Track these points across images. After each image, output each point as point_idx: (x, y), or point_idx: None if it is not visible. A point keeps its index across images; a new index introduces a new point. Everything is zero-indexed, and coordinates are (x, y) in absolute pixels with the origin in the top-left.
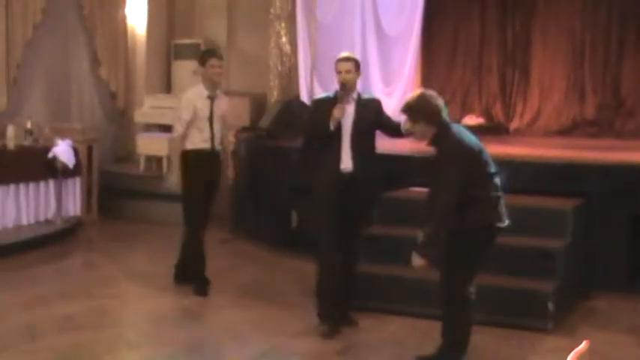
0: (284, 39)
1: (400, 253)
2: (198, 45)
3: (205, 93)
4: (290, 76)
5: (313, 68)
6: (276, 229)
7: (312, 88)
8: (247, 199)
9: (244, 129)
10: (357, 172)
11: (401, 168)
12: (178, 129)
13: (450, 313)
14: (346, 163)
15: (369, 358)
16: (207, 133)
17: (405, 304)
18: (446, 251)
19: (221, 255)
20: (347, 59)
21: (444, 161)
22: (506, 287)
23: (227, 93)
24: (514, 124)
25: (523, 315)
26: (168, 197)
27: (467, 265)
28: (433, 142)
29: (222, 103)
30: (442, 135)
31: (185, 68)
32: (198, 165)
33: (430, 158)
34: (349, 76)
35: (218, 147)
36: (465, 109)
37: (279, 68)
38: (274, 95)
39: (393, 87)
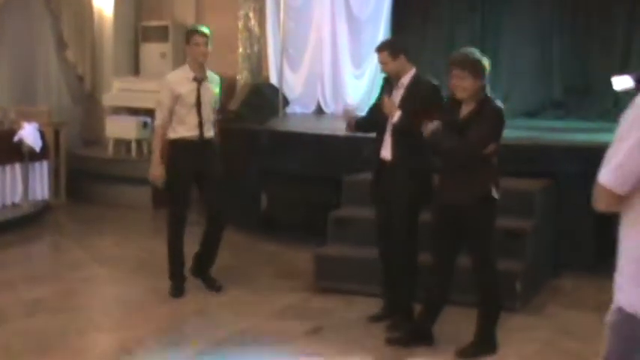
0: (253, 21)
1: (368, 235)
2: (166, 27)
3: (191, 75)
4: (259, 58)
5: (283, 51)
6: (246, 211)
7: (281, 70)
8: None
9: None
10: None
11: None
12: (159, 116)
13: (490, 282)
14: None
15: (338, 339)
16: (193, 121)
17: (373, 285)
18: (475, 225)
19: (190, 238)
20: (378, 50)
21: (487, 118)
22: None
23: None
24: None
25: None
26: (137, 181)
27: (492, 231)
28: (475, 98)
29: (213, 86)
30: (485, 94)
31: (153, 51)
32: (185, 156)
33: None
34: (387, 68)
35: (208, 134)
36: None
37: (249, 51)
38: (243, 78)
39: (363, 69)
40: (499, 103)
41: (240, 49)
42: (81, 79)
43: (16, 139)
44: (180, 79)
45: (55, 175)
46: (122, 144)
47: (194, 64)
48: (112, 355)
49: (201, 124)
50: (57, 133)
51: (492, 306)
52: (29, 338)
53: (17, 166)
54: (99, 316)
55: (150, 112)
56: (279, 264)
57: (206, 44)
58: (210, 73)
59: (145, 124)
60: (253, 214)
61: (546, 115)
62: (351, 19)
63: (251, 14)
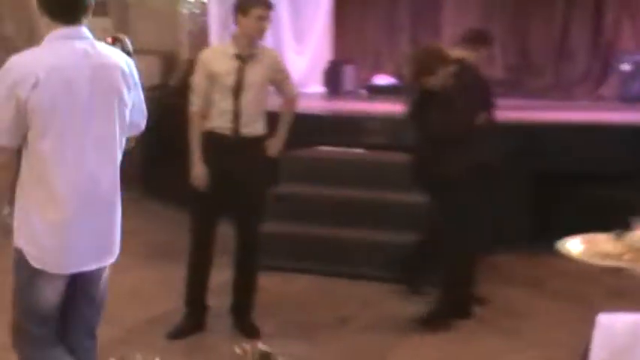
0: None
1: (306, 212)
2: (104, 2)
3: (231, 51)
4: (201, 33)
5: (225, 25)
6: (186, 189)
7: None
8: (157, 159)
9: (154, 88)
10: None
11: (309, 127)
12: (193, 100)
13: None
14: None
15: (275, 316)
16: (228, 109)
17: (310, 262)
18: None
19: (130, 215)
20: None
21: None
22: (410, 244)
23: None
24: None
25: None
26: None
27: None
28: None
29: (263, 67)
30: None
31: (94, 25)
32: (213, 154)
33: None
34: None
35: (248, 130)
36: (377, 69)
37: (191, 26)
38: (185, 53)
39: (304, 45)
40: None
41: (182, 24)
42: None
43: None
44: (217, 55)
45: None
46: None
47: (243, 39)
48: None
49: (236, 115)
50: None
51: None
52: None
53: None
54: None
55: None
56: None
57: (267, 18)
58: (263, 51)
59: None
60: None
61: None
62: None
63: None
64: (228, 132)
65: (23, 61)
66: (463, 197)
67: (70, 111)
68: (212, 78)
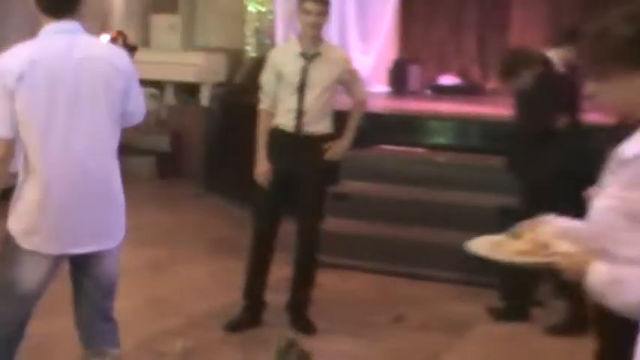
0: None
1: (366, 210)
2: None
3: (297, 49)
4: (267, 31)
5: (290, 23)
6: (249, 185)
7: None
8: (220, 155)
9: (220, 85)
10: None
11: (371, 126)
12: (262, 98)
13: None
14: None
15: (330, 313)
16: (292, 107)
17: (367, 261)
18: None
19: (192, 210)
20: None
21: None
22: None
23: (204, 49)
24: (490, 85)
25: (484, 273)
26: (144, 152)
27: None
28: None
29: (329, 66)
30: None
31: (163, 22)
32: (276, 151)
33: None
34: None
35: (311, 129)
36: (442, 69)
37: (257, 24)
38: (251, 51)
39: (370, 44)
40: None
41: (248, 22)
42: None
43: None
44: (284, 54)
45: None
46: None
47: (304, 36)
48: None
49: (300, 113)
50: None
51: None
52: None
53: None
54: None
55: (158, 84)
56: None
57: (320, 13)
58: (329, 50)
59: (153, 96)
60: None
61: None
62: None
63: None
64: (291, 129)
65: (10, 54)
66: (549, 201)
67: (54, 102)
68: (279, 76)
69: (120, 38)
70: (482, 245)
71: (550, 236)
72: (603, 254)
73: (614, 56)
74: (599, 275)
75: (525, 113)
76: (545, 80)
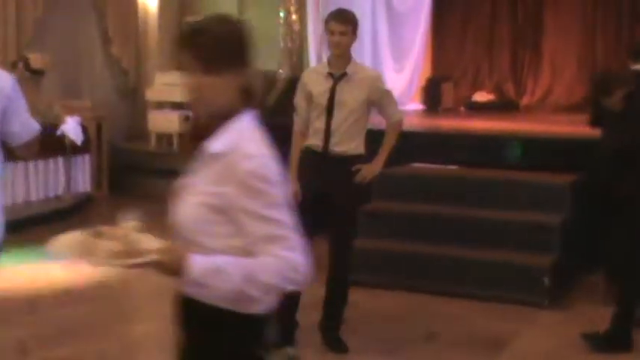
0: (294, 16)
1: (398, 229)
2: None
3: (326, 70)
4: (300, 53)
5: (322, 44)
6: None
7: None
8: None
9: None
10: None
11: (403, 144)
12: (295, 120)
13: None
14: None
15: (362, 331)
16: (320, 127)
17: (400, 278)
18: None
19: None
20: None
21: None
22: (502, 262)
23: None
24: (525, 101)
25: (519, 290)
26: (179, 174)
27: None
28: None
29: (358, 87)
30: None
31: None
32: (306, 171)
33: None
34: None
35: (340, 149)
36: (476, 86)
37: (290, 45)
38: (283, 72)
39: (402, 64)
40: None
41: (281, 44)
42: (126, 73)
43: (58, 132)
44: (314, 75)
45: (97, 168)
46: (164, 138)
47: (332, 57)
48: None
49: (327, 134)
50: (99, 127)
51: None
52: (60, 324)
53: (60, 160)
54: (127, 305)
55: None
56: (321, 259)
57: (343, 33)
58: (358, 70)
59: (187, 118)
60: None
61: (589, 110)
62: (392, 12)
63: (292, 8)
64: (320, 149)
65: None
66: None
67: None
68: (309, 97)
69: (20, 62)
70: (67, 248)
71: (132, 231)
72: (195, 247)
73: None
74: (198, 266)
75: (616, 131)
76: (638, 100)
